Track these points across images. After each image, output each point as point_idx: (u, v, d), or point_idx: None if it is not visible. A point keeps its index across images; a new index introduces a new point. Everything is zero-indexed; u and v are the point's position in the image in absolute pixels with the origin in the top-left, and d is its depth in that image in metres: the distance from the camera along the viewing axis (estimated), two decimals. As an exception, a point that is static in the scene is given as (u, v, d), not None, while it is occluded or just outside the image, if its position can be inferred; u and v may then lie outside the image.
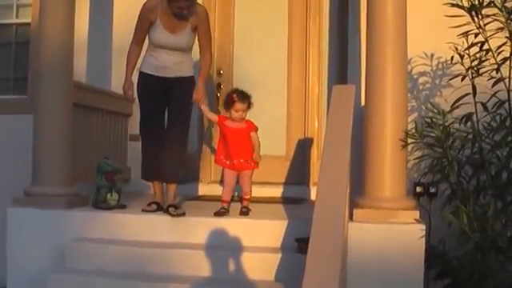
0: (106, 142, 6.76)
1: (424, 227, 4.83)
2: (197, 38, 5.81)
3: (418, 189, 5.94)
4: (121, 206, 5.75)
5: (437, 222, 5.03)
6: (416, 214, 4.95)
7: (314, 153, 7.02)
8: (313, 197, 6.59)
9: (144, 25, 5.68)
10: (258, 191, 6.30)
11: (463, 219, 4.59)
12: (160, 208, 5.61)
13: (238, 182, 5.68)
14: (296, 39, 7.28)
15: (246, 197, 5.62)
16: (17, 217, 5.65)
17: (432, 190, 5.85)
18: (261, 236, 5.19)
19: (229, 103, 5.54)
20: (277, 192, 6.96)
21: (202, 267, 5.03)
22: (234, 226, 5.25)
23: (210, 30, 5.93)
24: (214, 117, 5.83)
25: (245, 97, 5.56)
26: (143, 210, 5.54)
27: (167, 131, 5.74)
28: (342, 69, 6.88)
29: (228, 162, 5.59)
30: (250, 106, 5.59)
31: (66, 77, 5.82)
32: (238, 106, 5.49)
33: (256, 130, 5.62)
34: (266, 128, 6.97)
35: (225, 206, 5.50)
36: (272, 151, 7.03)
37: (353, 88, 5.09)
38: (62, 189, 5.71)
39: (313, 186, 6.83)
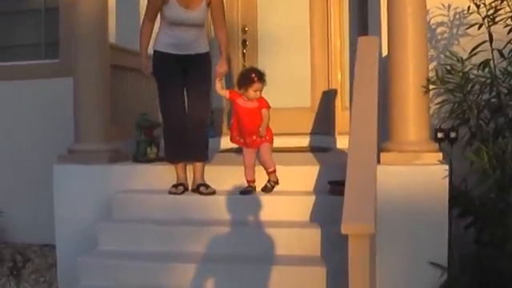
0: (140, 100, 7.02)
1: (447, 167, 5.06)
2: (210, 13, 5.80)
3: (439, 134, 6.15)
4: (160, 159, 6.06)
5: (458, 165, 5.24)
6: (439, 155, 5.20)
7: (338, 103, 7.26)
8: (338, 145, 6.95)
9: (157, 2, 5.64)
10: (285, 141, 6.66)
11: (484, 158, 4.86)
12: (186, 188, 5.66)
13: (258, 160, 5.55)
14: (318, -7, 7.44)
15: (270, 170, 5.48)
16: (62, 173, 5.97)
17: (452, 135, 6.09)
18: (294, 181, 5.52)
19: (247, 83, 5.40)
20: (303, 142, 7.24)
21: (240, 211, 5.38)
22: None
23: (223, 4, 5.90)
24: (226, 93, 5.65)
25: (262, 76, 5.43)
26: (170, 193, 5.57)
27: (191, 111, 5.70)
28: (362, 21, 7.05)
29: (242, 141, 5.52)
30: (264, 84, 5.47)
31: (102, 39, 6.10)
32: (257, 85, 5.38)
33: (268, 107, 5.45)
34: (292, 81, 7.33)
35: (251, 184, 5.51)
36: (298, 103, 7.35)
37: (376, 39, 5.33)
38: (103, 145, 6.04)
39: (338, 135, 7.11)
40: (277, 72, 7.29)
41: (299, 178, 5.55)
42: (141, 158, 6.06)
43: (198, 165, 5.71)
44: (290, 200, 5.36)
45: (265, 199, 5.38)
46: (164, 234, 5.31)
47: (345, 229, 3.50)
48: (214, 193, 5.54)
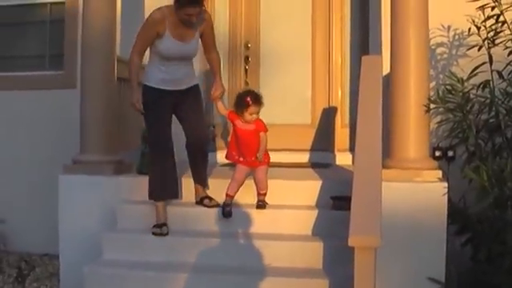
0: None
1: (446, 185, 5.17)
2: (201, 41, 5.74)
3: (437, 153, 6.29)
4: (164, 171, 6.15)
5: (455, 183, 5.32)
6: (439, 173, 5.31)
7: (338, 121, 7.33)
8: (338, 162, 7.05)
9: (151, 36, 5.49)
10: (286, 157, 6.83)
11: (483, 176, 4.98)
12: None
13: (254, 180, 5.61)
14: (320, 11, 7.51)
15: (262, 192, 5.57)
16: (67, 183, 6.07)
17: (450, 153, 6.21)
18: (297, 195, 5.65)
19: (242, 106, 5.44)
20: (303, 158, 7.29)
21: (242, 224, 5.49)
22: (270, 186, 5.62)
23: (214, 30, 5.88)
24: (227, 113, 5.67)
25: (258, 99, 5.47)
26: (155, 234, 5.47)
27: (191, 137, 5.69)
28: (363, 40, 7.20)
29: (241, 159, 5.56)
30: (261, 106, 5.51)
31: (109, 52, 6.23)
32: (253, 108, 5.41)
33: (265, 130, 5.50)
34: (292, 98, 7.44)
35: (228, 201, 5.53)
36: (298, 120, 7.44)
37: (380, 58, 5.45)
38: (108, 156, 6.15)
39: (337, 152, 7.21)
40: (278, 88, 7.44)
41: (301, 193, 5.66)
42: (145, 169, 6.11)
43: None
44: (292, 214, 5.47)
45: (268, 213, 5.50)
46: (167, 245, 5.42)
47: (352, 241, 3.62)
48: (217, 205, 5.60)
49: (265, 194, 5.58)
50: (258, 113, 5.47)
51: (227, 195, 5.54)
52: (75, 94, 6.61)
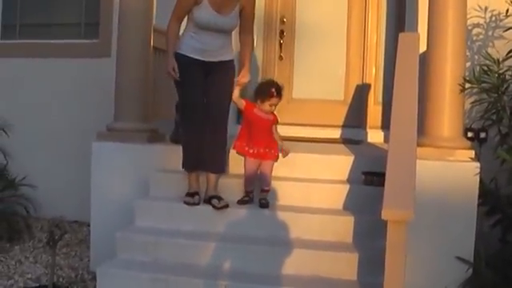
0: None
1: (479, 165, 5.14)
2: (240, 20, 5.56)
3: (469, 134, 6.27)
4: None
5: (486, 165, 5.28)
6: (472, 153, 5.29)
7: (371, 98, 7.30)
8: (370, 139, 7.05)
9: (188, 3, 5.38)
10: (317, 132, 6.88)
11: (516, 157, 4.99)
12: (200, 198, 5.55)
13: (259, 173, 5.54)
14: (356, -12, 7.49)
15: (266, 188, 5.47)
16: (100, 150, 6.15)
17: (482, 135, 6.19)
18: (329, 170, 5.66)
19: (265, 96, 5.41)
20: (335, 134, 7.30)
21: (273, 195, 5.53)
22: (302, 160, 5.71)
23: (254, 14, 5.73)
24: (242, 103, 5.53)
25: (280, 91, 5.45)
26: (186, 203, 5.50)
27: (211, 118, 5.51)
28: (399, 17, 7.16)
29: (251, 151, 5.51)
30: (281, 100, 5.53)
31: (146, 21, 6.27)
32: (275, 100, 5.41)
33: (277, 122, 5.58)
34: (326, 74, 7.44)
35: (250, 195, 5.52)
36: (331, 96, 7.44)
37: (418, 36, 5.44)
38: (142, 125, 6.22)
39: (369, 129, 7.21)
40: (312, 64, 7.44)
41: (333, 167, 5.68)
42: (179, 138, 6.16)
43: (213, 175, 5.60)
44: (324, 188, 5.49)
45: (299, 186, 5.53)
46: (199, 214, 5.46)
47: (385, 214, 3.64)
48: (226, 206, 5.41)
49: (267, 191, 5.48)
50: (276, 105, 5.49)
51: (246, 192, 5.55)
52: (110, 62, 6.66)
